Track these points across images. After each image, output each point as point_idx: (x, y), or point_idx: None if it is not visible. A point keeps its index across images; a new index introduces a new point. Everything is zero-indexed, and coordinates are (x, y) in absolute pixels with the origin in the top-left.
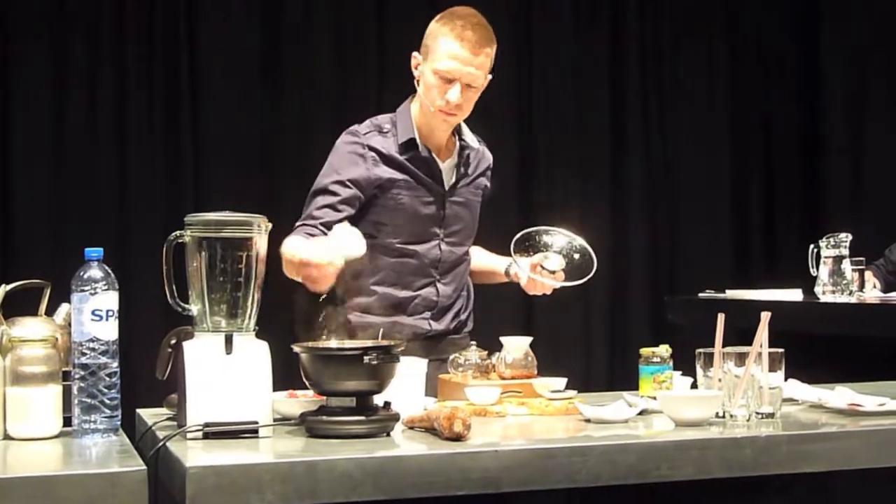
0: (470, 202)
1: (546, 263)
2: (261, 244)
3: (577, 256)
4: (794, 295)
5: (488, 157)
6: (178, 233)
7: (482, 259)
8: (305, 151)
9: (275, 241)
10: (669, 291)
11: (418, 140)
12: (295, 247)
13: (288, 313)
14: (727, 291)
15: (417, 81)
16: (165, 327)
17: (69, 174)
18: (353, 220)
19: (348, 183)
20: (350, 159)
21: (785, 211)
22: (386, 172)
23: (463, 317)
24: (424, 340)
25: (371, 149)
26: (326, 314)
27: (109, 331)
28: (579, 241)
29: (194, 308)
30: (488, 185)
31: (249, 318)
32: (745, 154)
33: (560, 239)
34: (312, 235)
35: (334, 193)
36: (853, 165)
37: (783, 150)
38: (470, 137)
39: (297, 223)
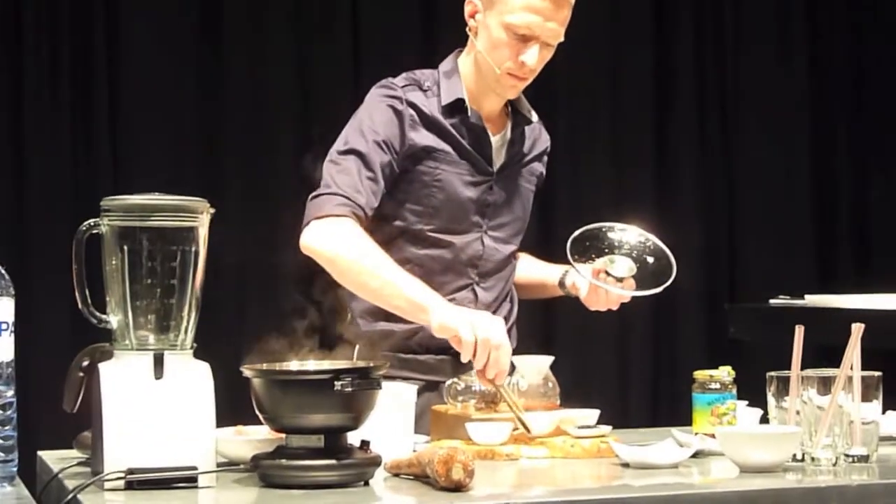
0: (522, 190)
1: (612, 269)
2: (200, 236)
3: (650, 260)
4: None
5: (545, 138)
6: (91, 221)
7: (530, 267)
8: (255, 118)
9: (218, 231)
10: (731, 298)
11: (467, 102)
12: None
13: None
14: (806, 297)
15: (473, 32)
16: (76, 344)
17: None
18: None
19: (385, 146)
20: (386, 114)
21: (880, 195)
22: (424, 138)
23: None
24: (453, 356)
25: (411, 105)
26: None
27: (3, 349)
28: (653, 240)
29: (113, 319)
30: (543, 172)
31: (186, 332)
32: (828, 124)
33: (630, 237)
34: (354, 212)
35: (373, 161)
36: None
37: (878, 117)
38: (527, 108)
39: (327, 191)
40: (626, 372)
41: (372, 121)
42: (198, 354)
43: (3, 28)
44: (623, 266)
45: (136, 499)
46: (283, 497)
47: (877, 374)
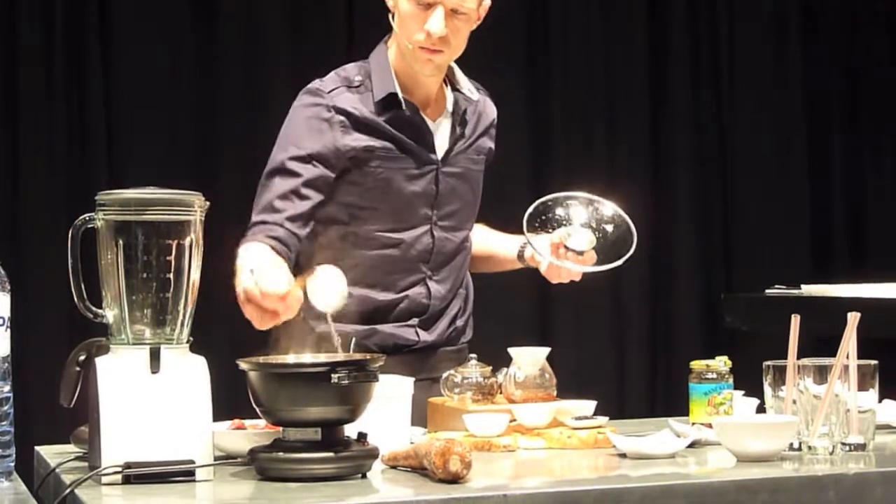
0: (469, 173)
1: (570, 242)
2: (196, 230)
3: (610, 229)
4: (892, 291)
5: (491, 110)
6: (87, 216)
7: (489, 240)
8: (250, 111)
9: (214, 226)
10: (727, 288)
11: (400, 95)
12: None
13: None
14: (803, 287)
15: (392, 15)
16: (72, 339)
17: None
18: (321, 204)
19: (311, 159)
20: (311, 127)
21: (877, 185)
22: (360, 140)
23: (460, 323)
24: (410, 354)
25: (339, 111)
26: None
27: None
28: (611, 207)
29: (109, 314)
30: (492, 146)
31: (182, 326)
32: (824, 113)
33: (585, 209)
34: (277, 239)
35: (295, 174)
36: None
37: (873, 107)
38: (466, 86)
39: (254, 218)
40: (623, 362)
41: (296, 136)
42: (194, 348)
43: None
44: (582, 239)
45: (134, 493)
46: (281, 490)
47: (873, 362)
